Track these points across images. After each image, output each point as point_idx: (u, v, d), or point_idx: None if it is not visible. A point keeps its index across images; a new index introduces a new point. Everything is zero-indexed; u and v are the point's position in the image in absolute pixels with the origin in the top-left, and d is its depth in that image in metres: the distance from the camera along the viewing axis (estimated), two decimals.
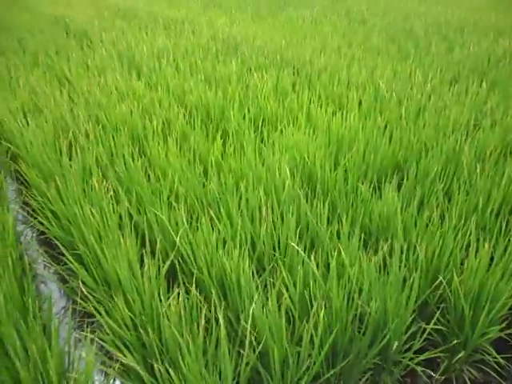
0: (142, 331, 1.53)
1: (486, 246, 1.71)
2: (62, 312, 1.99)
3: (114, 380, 1.64)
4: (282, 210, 1.99)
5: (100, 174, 2.36)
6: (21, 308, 1.67)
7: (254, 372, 1.56)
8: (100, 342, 1.58)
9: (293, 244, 1.74)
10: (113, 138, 2.65)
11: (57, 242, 2.05)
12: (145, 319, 1.57)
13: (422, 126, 2.78)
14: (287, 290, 1.64)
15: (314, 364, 1.49)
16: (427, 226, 1.98)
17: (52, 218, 2.12)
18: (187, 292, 1.80)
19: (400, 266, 1.70)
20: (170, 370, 1.37)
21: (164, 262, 1.74)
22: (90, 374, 1.41)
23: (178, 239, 1.74)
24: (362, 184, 2.18)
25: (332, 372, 1.53)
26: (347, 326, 1.56)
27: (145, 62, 4.15)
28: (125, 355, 1.50)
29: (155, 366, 1.41)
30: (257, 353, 1.47)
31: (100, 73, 3.97)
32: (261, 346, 1.47)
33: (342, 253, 1.69)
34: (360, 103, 3.25)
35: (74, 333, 1.83)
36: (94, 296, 1.73)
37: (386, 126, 2.86)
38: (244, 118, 2.96)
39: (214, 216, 1.88)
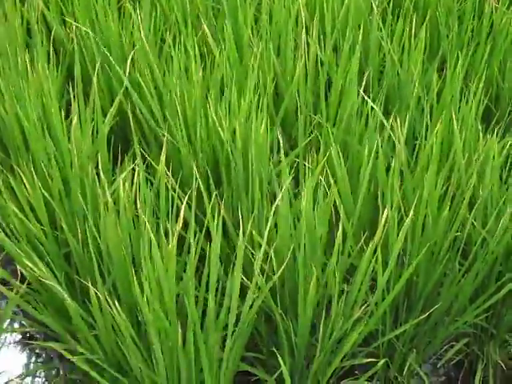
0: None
1: None
2: None
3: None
4: (334, 36, 1.09)
5: None
6: None
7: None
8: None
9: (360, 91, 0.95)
10: None
11: None
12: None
13: None
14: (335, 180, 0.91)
15: None
16: None
17: None
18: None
19: None
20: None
21: (105, 115, 0.97)
22: None
23: (126, 74, 0.94)
24: None
25: None
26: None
27: None
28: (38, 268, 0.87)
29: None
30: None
31: None
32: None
33: (453, 117, 0.92)
34: None
35: None
36: None
37: None
38: None
39: (208, 34, 1.02)
